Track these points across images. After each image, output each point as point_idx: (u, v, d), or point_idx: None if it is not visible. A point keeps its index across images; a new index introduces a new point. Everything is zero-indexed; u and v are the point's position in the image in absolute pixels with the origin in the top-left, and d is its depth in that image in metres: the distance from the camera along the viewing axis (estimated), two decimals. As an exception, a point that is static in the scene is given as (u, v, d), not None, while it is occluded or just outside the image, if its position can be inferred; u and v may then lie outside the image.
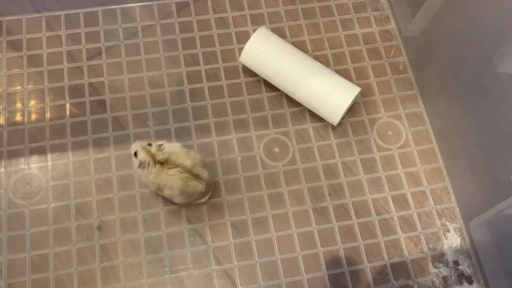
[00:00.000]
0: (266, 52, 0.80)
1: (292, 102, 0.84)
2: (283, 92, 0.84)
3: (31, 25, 0.86)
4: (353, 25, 0.91)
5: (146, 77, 0.84)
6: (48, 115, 0.80)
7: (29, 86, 0.82)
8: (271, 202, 0.77)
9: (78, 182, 0.76)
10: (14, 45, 0.85)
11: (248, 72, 0.86)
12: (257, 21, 0.90)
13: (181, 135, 0.80)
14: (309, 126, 0.83)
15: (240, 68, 0.86)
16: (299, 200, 0.78)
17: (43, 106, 0.81)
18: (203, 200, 0.74)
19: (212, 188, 0.75)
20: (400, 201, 0.79)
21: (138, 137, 0.79)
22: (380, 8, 0.93)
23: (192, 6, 0.90)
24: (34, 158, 0.77)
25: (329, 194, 0.78)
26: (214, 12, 0.90)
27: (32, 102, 0.81)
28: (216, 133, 0.81)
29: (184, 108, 0.82)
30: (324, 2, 0.93)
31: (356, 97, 0.81)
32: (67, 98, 0.81)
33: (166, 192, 0.70)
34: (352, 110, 0.83)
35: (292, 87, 0.80)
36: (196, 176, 0.69)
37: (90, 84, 0.83)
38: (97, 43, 0.86)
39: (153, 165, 0.68)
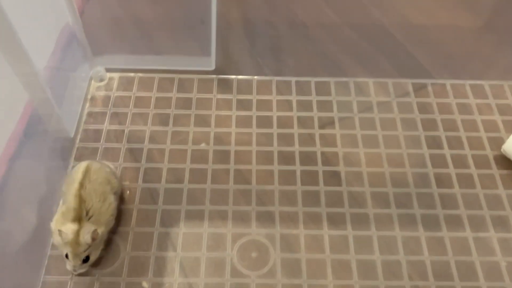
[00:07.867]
0: (541, 141, 0.69)
1: (561, 204, 0.70)
2: (548, 192, 0.71)
3: (261, 87, 0.83)
4: None
5: (384, 154, 0.75)
6: (277, 179, 0.72)
7: (258, 147, 0.75)
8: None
9: (311, 259, 0.65)
10: (243, 104, 0.80)
11: (502, 164, 0.74)
12: (504, 112, 0.80)
13: (428, 223, 0.68)
14: None
15: (492, 158, 0.75)
16: None
17: (271, 169, 0.73)
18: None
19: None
20: None
21: (377, 218, 0.68)
22: None
23: (430, 87, 0.83)
24: (262, 223, 0.68)
25: None
26: (454, 97, 0.82)
27: (260, 164, 0.73)
28: (471, 228, 0.68)
29: (429, 194, 0.71)
30: None
31: None
32: (298, 164, 0.73)
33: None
34: None
35: None
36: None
37: (323, 153, 0.75)
38: (329, 112, 0.80)
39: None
